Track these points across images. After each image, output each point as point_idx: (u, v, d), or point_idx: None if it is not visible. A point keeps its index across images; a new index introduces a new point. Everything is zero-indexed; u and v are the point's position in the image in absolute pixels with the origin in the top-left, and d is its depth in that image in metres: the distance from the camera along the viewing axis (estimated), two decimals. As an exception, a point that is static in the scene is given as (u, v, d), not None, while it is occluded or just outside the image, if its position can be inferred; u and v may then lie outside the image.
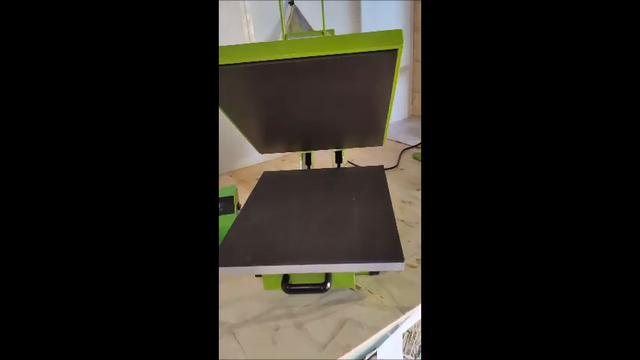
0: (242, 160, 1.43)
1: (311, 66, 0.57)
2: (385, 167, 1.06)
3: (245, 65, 0.57)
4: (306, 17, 1.29)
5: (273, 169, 1.39)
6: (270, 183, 0.93)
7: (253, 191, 0.88)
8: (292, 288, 0.63)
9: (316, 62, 0.56)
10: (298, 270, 0.60)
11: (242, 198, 1.09)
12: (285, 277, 0.65)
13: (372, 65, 0.57)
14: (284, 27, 1.20)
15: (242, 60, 0.56)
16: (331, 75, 0.60)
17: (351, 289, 0.70)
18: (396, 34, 0.51)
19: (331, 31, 1.08)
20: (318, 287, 0.61)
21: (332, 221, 0.69)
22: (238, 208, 0.98)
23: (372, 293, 0.69)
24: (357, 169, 0.98)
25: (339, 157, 1.06)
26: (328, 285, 0.61)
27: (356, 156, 1.45)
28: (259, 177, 0.98)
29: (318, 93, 0.67)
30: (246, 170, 1.41)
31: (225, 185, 1.04)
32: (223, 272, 0.60)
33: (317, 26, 1.32)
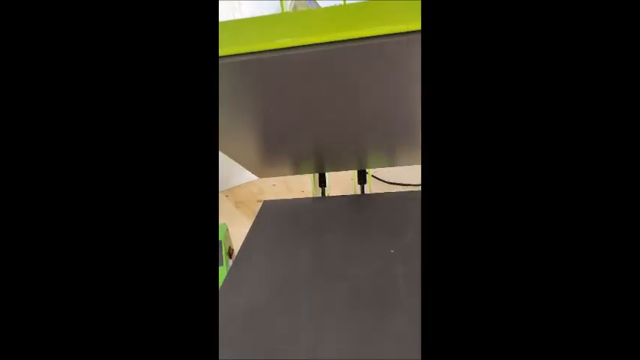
0: (240, 175, 1.19)
1: (337, 53, 0.36)
2: (417, 183, 0.83)
3: (237, 59, 0.37)
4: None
5: (279, 185, 1.15)
6: (272, 220, 0.72)
7: (249, 235, 0.66)
8: None
9: (346, 49, 0.34)
10: None
11: (239, 227, 0.85)
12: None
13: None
14: (283, 7, 0.94)
15: (232, 52, 0.37)
16: (367, 63, 0.38)
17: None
18: None
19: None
20: None
21: (365, 296, 0.48)
22: (230, 255, 0.75)
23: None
24: (389, 197, 0.75)
25: (362, 177, 0.82)
26: None
27: (378, 164, 1.20)
28: (260, 201, 0.76)
29: (344, 93, 0.44)
30: (246, 188, 1.17)
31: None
32: None
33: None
